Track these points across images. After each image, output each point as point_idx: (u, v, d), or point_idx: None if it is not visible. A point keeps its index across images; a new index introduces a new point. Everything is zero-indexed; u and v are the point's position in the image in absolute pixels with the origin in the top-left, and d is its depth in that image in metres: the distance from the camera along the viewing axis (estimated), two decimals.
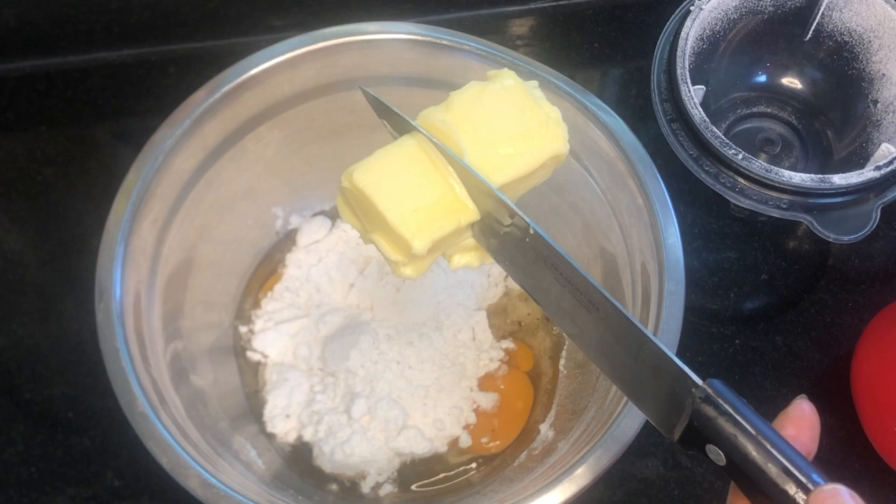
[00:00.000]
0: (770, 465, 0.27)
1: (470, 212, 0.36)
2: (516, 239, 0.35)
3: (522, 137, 0.39)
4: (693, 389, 0.29)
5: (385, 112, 0.41)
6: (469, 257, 0.40)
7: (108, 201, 0.42)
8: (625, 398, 0.39)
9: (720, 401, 0.29)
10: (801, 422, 0.30)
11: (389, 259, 0.38)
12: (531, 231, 0.34)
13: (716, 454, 0.29)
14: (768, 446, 0.27)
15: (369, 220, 0.38)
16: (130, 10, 0.62)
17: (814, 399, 0.56)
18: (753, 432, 0.28)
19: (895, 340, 0.49)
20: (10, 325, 0.55)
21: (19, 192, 0.59)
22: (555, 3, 0.68)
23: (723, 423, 0.28)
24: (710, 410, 0.29)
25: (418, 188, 0.36)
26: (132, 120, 0.62)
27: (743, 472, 0.28)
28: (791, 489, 0.27)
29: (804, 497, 0.26)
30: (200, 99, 0.45)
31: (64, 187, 0.59)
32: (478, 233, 0.38)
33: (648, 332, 0.31)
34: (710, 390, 0.29)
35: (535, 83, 0.42)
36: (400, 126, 0.40)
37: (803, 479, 0.26)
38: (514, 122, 0.39)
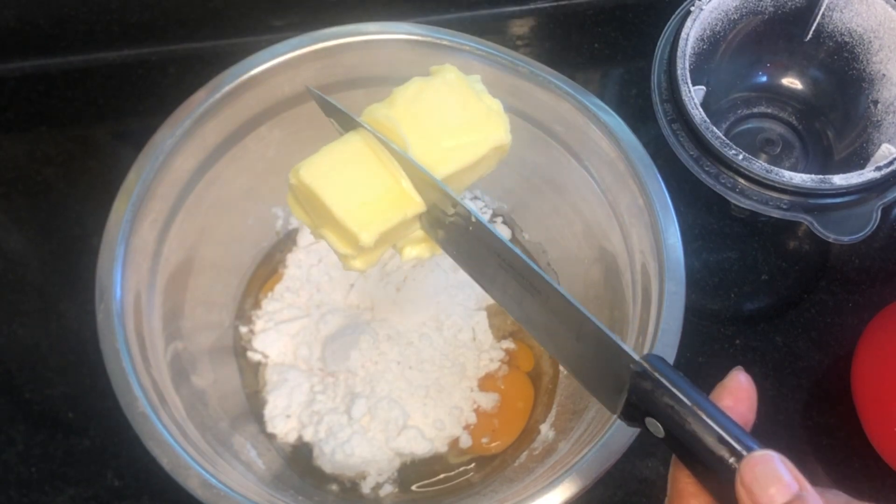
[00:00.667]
0: (706, 434, 0.28)
1: (415, 203, 0.37)
2: (461, 228, 0.36)
3: (464, 130, 0.40)
4: (631, 365, 0.30)
5: (331, 110, 0.42)
6: (419, 249, 0.41)
7: (108, 201, 0.42)
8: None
9: (656, 374, 0.29)
10: (737, 392, 0.30)
11: (339, 253, 0.38)
12: (473, 220, 0.35)
13: (655, 427, 0.30)
14: (704, 416, 0.28)
15: (318, 215, 0.39)
16: (130, 10, 0.62)
17: (814, 399, 0.56)
18: (689, 403, 0.28)
19: (895, 340, 0.49)
20: (10, 325, 0.55)
21: (19, 192, 0.59)
22: (555, 3, 0.68)
23: (659, 395, 0.29)
24: (646, 384, 0.29)
25: (364, 182, 0.37)
26: (132, 120, 0.62)
27: (681, 442, 0.29)
28: (727, 456, 0.27)
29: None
30: (201, 99, 0.45)
31: (64, 187, 0.59)
32: (426, 224, 0.39)
33: (586, 311, 0.32)
34: (646, 365, 0.30)
35: (477, 77, 0.43)
36: (346, 123, 0.41)
37: (738, 448, 0.27)
38: (455, 115, 0.40)
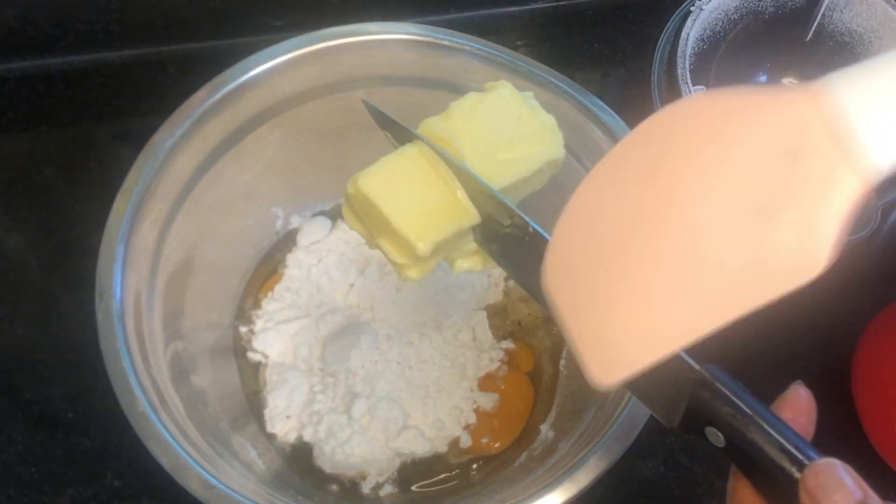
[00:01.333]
0: (767, 443, 0.28)
1: (471, 214, 0.37)
2: (516, 239, 0.36)
3: (520, 143, 0.40)
4: (690, 374, 0.30)
5: (387, 123, 0.42)
6: (472, 262, 0.41)
7: (108, 201, 0.42)
8: (625, 398, 0.39)
9: (717, 384, 0.29)
10: (797, 405, 0.31)
11: (395, 262, 0.39)
12: (530, 230, 0.35)
13: (714, 436, 0.29)
14: (765, 425, 0.28)
15: (374, 225, 0.39)
16: (130, 10, 0.62)
17: (814, 399, 0.55)
18: (750, 412, 0.28)
19: (895, 340, 0.49)
20: (10, 325, 0.54)
21: (19, 192, 0.59)
22: (555, 4, 0.68)
23: (720, 404, 0.29)
24: (707, 393, 0.29)
25: (421, 193, 0.38)
26: (132, 120, 0.62)
27: (741, 451, 0.28)
28: (788, 465, 0.27)
29: (801, 473, 0.27)
30: (201, 99, 0.45)
31: (64, 187, 0.59)
32: (480, 237, 0.39)
33: None
34: (706, 374, 0.30)
35: (530, 93, 0.43)
36: (401, 136, 0.41)
37: (800, 456, 0.27)
38: (511, 129, 0.41)
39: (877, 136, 0.19)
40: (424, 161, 0.39)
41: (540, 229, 0.35)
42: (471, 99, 0.41)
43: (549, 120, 0.42)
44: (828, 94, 0.18)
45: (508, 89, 0.42)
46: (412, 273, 0.39)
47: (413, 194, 0.38)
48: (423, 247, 0.37)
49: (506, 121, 0.41)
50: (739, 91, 0.20)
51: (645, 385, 0.33)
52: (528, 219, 0.35)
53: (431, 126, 0.41)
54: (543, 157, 0.41)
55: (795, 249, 0.21)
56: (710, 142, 0.20)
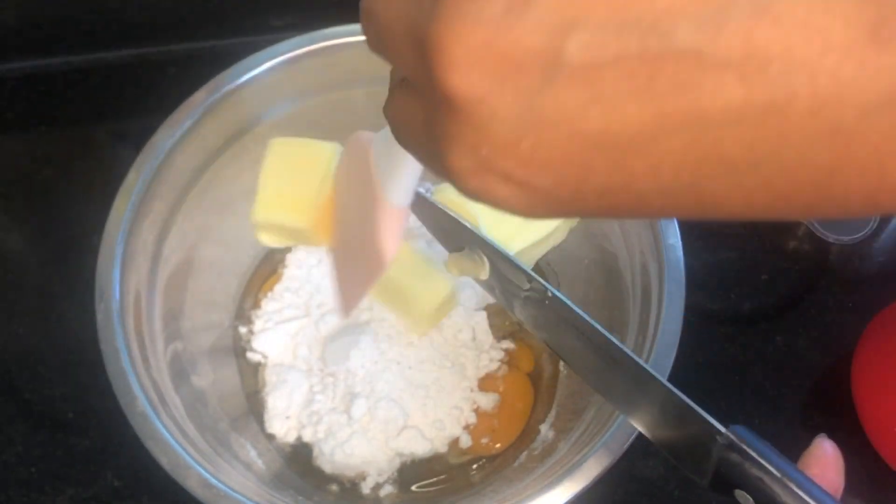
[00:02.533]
0: None
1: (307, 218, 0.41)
2: (536, 302, 0.37)
3: None
4: (717, 437, 0.30)
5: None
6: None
7: (108, 201, 0.42)
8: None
9: (744, 446, 0.29)
10: (824, 460, 0.31)
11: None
12: (549, 294, 0.36)
13: (744, 498, 0.29)
14: (794, 488, 0.28)
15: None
16: (130, 10, 0.62)
17: (814, 399, 0.56)
18: (779, 475, 0.28)
19: (895, 340, 0.49)
20: (10, 325, 0.54)
21: (19, 192, 0.59)
22: None
23: (748, 468, 0.29)
24: (734, 457, 0.29)
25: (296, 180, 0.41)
26: (132, 120, 0.62)
27: None
28: None
29: None
30: (201, 99, 0.45)
31: (64, 187, 0.59)
32: (500, 296, 0.39)
33: (669, 385, 0.32)
34: (733, 437, 0.29)
35: None
36: (415, 203, 0.43)
37: None
38: None
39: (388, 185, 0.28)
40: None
41: (560, 294, 0.35)
42: None
43: None
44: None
45: None
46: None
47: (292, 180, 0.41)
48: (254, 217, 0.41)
49: None
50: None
51: (674, 445, 0.33)
52: (547, 284, 0.36)
53: (446, 191, 0.42)
54: None
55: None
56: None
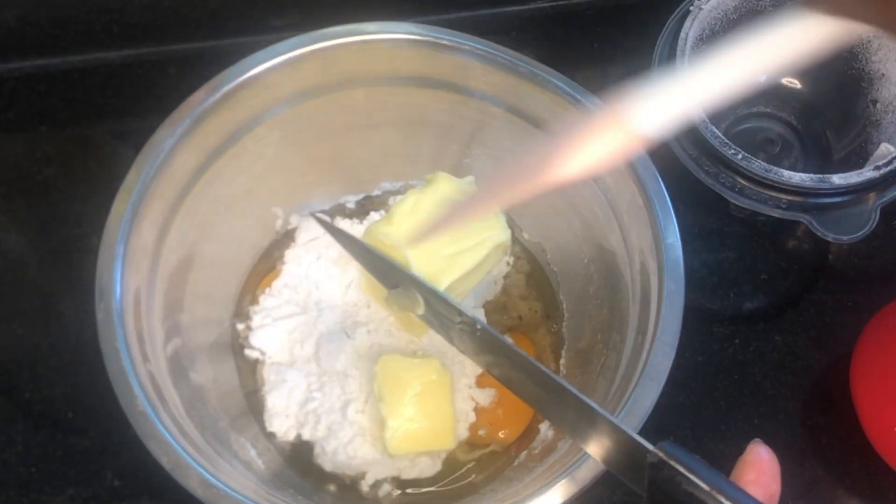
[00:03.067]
0: None
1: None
2: (468, 334, 0.39)
3: (463, 235, 0.44)
4: (647, 455, 0.31)
5: (334, 233, 0.46)
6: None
7: (108, 201, 0.42)
8: (625, 398, 0.39)
9: (672, 462, 0.30)
10: (759, 466, 0.31)
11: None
12: (478, 326, 0.38)
13: None
14: (724, 500, 0.28)
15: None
16: (130, 10, 0.62)
17: (814, 399, 0.56)
18: (708, 489, 0.29)
19: (895, 340, 0.49)
20: (10, 325, 0.55)
21: (19, 192, 0.59)
22: (555, 3, 0.68)
23: (678, 483, 0.29)
24: (665, 473, 0.30)
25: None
26: (132, 120, 0.62)
27: None
28: None
29: None
30: (200, 99, 0.45)
31: (64, 187, 0.59)
32: (438, 328, 0.42)
33: (598, 406, 0.33)
34: (661, 454, 0.30)
35: (470, 178, 0.46)
36: (348, 244, 0.45)
37: None
38: None
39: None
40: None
41: (487, 326, 0.38)
42: (410, 198, 0.44)
43: None
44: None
45: (446, 181, 0.45)
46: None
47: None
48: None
49: None
50: None
51: (616, 463, 0.34)
52: (476, 317, 0.38)
53: (375, 232, 0.44)
54: (489, 243, 0.44)
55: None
56: None
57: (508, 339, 0.37)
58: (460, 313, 0.38)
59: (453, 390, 0.49)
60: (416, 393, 0.46)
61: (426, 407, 0.46)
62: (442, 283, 0.42)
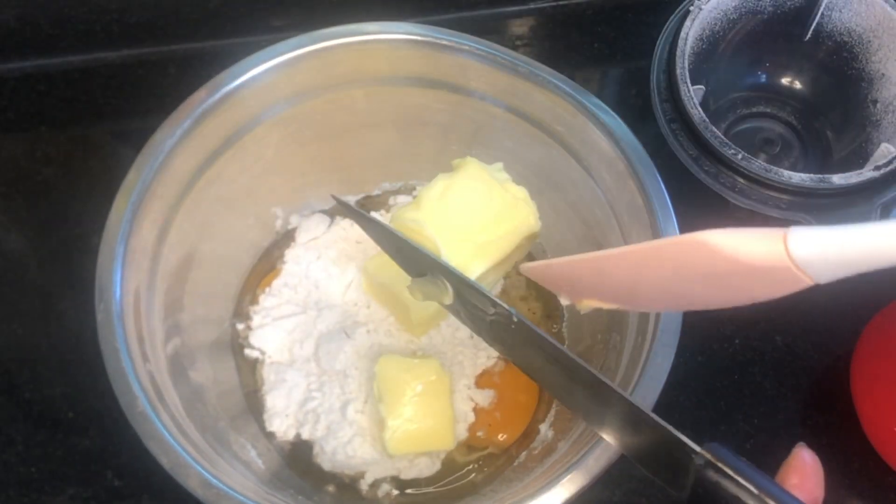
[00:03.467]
0: None
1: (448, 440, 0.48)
2: (502, 325, 0.37)
3: (495, 223, 0.41)
4: (693, 456, 0.30)
5: (355, 216, 0.44)
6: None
7: (108, 201, 0.42)
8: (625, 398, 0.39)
9: (720, 465, 0.29)
10: (803, 470, 0.31)
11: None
12: (515, 319, 0.36)
13: None
14: (770, 503, 0.28)
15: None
16: (130, 10, 0.62)
17: (813, 399, 0.56)
18: (756, 492, 0.28)
19: (895, 340, 0.49)
20: (10, 325, 0.55)
21: (19, 192, 0.59)
22: (555, 3, 0.68)
23: (725, 486, 0.29)
24: (712, 475, 0.29)
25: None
26: (132, 120, 0.62)
27: None
28: None
29: None
30: (200, 99, 0.45)
31: (64, 187, 0.59)
32: (466, 319, 0.40)
33: (643, 406, 0.32)
34: (709, 456, 0.30)
35: (499, 165, 0.44)
36: (370, 228, 0.43)
37: None
38: (484, 208, 0.41)
39: (815, 269, 0.29)
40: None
41: (524, 318, 0.36)
42: (439, 183, 0.42)
43: (521, 192, 0.43)
44: (790, 241, 0.28)
45: (475, 166, 0.43)
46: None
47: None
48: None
49: (477, 201, 0.41)
50: (738, 232, 0.29)
51: (649, 462, 0.33)
52: (511, 309, 0.36)
53: (402, 217, 0.42)
54: (520, 233, 0.42)
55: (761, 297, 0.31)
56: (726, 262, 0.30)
57: (546, 334, 0.36)
58: (494, 304, 0.37)
59: (452, 391, 0.49)
60: (416, 393, 0.46)
61: (426, 407, 0.46)
62: (473, 273, 0.40)
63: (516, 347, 0.38)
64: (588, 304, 0.37)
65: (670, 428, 0.31)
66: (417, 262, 0.40)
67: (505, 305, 0.36)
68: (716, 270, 0.30)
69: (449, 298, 0.39)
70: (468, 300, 0.38)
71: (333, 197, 0.44)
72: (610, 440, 0.35)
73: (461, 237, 0.41)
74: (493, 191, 0.42)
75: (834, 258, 0.29)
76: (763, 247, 0.29)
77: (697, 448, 0.30)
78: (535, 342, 0.36)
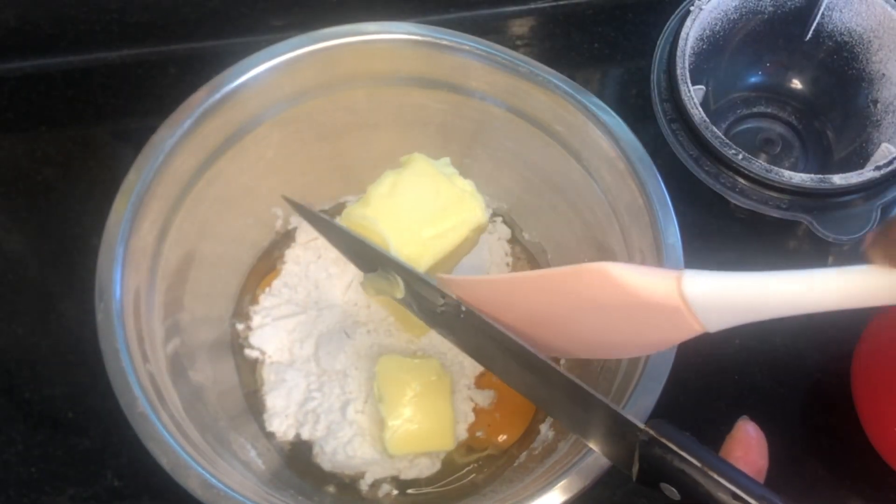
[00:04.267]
0: (720, 492, 0.28)
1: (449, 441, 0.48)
2: (452, 316, 0.38)
3: (441, 217, 0.43)
4: (637, 433, 0.31)
5: (307, 216, 0.45)
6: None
7: (108, 201, 0.42)
8: (624, 398, 0.39)
9: (663, 440, 0.30)
10: (746, 442, 0.31)
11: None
12: (463, 308, 0.37)
13: (670, 491, 0.30)
14: (715, 475, 0.28)
15: None
16: (130, 10, 0.62)
17: (813, 399, 0.56)
18: (699, 465, 0.29)
19: (895, 340, 0.49)
20: (10, 325, 0.55)
21: (19, 192, 0.59)
22: (555, 3, 0.68)
23: (669, 460, 0.29)
24: (656, 451, 0.30)
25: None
26: (132, 120, 0.62)
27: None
28: None
29: None
30: (200, 99, 0.45)
31: (64, 187, 0.59)
32: (418, 312, 0.40)
33: (587, 386, 0.33)
34: (652, 432, 0.30)
35: (446, 160, 0.46)
36: (323, 228, 0.44)
37: (753, 501, 0.28)
38: (431, 203, 0.43)
39: (706, 315, 0.30)
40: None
41: (472, 308, 0.36)
42: (387, 179, 0.44)
43: (468, 186, 0.44)
44: (684, 283, 0.29)
45: (423, 162, 0.44)
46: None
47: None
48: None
49: (425, 196, 0.43)
50: (637, 268, 0.31)
51: (602, 442, 0.34)
52: (459, 298, 0.37)
53: (352, 215, 0.43)
54: (467, 225, 0.43)
55: (655, 345, 0.35)
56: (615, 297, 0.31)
57: (493, 321, 0.36)
58: (443, 295, 0.38)
59: (453, 391, 0.49)
60: (416, 393, 0.46)
61: (426, 407, 0.46)
62: (422, 266, 0.42)
63: (468, 337, 0.39)
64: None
65: (613, 405, 0.32)
66: (368, 258, 0.41)
67: (453, 296, 0.37)
68: (613, 302, 0.31)
69: (400, 292, 0.40)
70: (418, 293, 0.39)
71: (284, 198, 0.45)
72: (565, 424, 0.36)
73: (410, 232, 0.42)
74: (439, 185, 0.43)
75: (725, 303, 0.29)
76: (657, 282, 0.30)
77: (641, 425, 0.31)
78: (484, 331, 0.36)
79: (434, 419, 0.46)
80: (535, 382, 0.36)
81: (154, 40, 0.64)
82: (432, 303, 0.39)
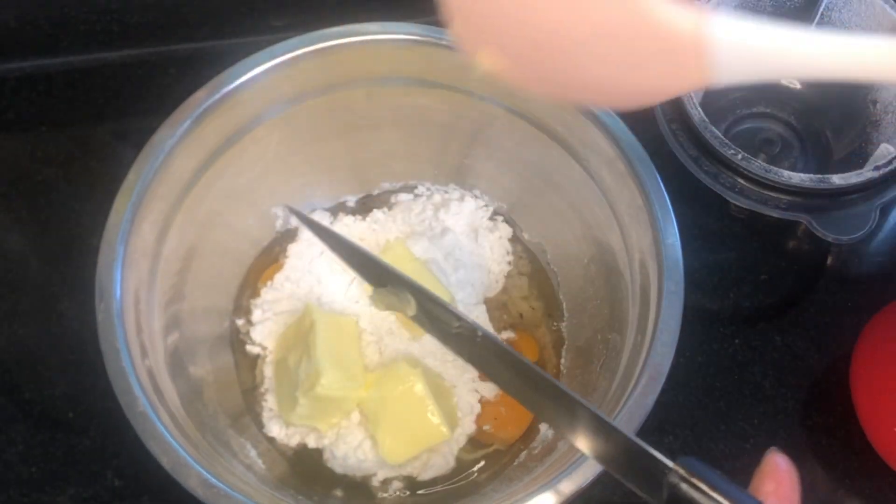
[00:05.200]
0: None
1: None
2: (467, 338, 0.38)
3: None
4: (666, 471, 0.30)
5: (312, 227, 0.47)
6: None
7: (108, 201, 0.42)
8: (624, 397, 0.39)
9: (694, 479, 0.29)
10: (777, 475, 0.30)
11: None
12: (479, 333, 0.37)
13: None
14: None
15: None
16: (130, 10, 0.62)
17: (813, 399, 0.56)
18: None
19: (895, 340, 0.50)
20: (10, 325, 0.55)
21: (19, 192, 0.59)
22: None
23: (699, 498, 0.29)
24: (685, 490, 0.29)
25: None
26: (132, 120, 0.62)
27: None
28: None
29: None
30: (200, 99, 0.45)
31: (64, 187, 0.59)
32: (431, 329, 0.40)
33: (612, 421, 0.32)
34: (682, 471, 0.29)
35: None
36: (330, 241, 0.44)
37: None
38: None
39: (720, 60, 0.28)
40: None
41: (489, 332, 0.36)
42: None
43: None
44: (710, 19, 0.28)
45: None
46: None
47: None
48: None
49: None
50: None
51: (625, 473, 0.33)
52: (476, 324, 0.37)
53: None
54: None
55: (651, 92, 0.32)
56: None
57: (511, 348, 0.36)
58: (458, 318, 0.37)
59: (426, 383, 0.47)
60: (392, 404, 0.46)
61: (404, 412, 0.46)
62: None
63: (483, 360, 0.38)
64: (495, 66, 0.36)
65: (642, 443, 0.31)
66: (376, 273, 0.41)
67: (469, 319, 0.37)
68: (626, 22, 0.29)
69: (412, 310, 0.40)
70: (431, 313, 0.39)
71: (288, 207, 0.45)
72: (585, 452, 0.35)
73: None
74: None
75: (752, 49, 0.28)
76: (681, 13, 0.28)
77: (671, 464, 0.30)
78: (501, 356, 0.36)
79: (416, 419, 0.46)
80: (554, 411, 0.35)
81: (154, 40, 0.64)
82: (447, 324, 0.38)
